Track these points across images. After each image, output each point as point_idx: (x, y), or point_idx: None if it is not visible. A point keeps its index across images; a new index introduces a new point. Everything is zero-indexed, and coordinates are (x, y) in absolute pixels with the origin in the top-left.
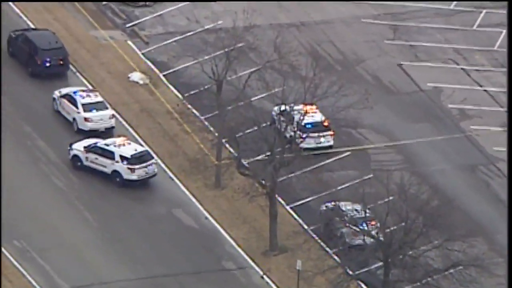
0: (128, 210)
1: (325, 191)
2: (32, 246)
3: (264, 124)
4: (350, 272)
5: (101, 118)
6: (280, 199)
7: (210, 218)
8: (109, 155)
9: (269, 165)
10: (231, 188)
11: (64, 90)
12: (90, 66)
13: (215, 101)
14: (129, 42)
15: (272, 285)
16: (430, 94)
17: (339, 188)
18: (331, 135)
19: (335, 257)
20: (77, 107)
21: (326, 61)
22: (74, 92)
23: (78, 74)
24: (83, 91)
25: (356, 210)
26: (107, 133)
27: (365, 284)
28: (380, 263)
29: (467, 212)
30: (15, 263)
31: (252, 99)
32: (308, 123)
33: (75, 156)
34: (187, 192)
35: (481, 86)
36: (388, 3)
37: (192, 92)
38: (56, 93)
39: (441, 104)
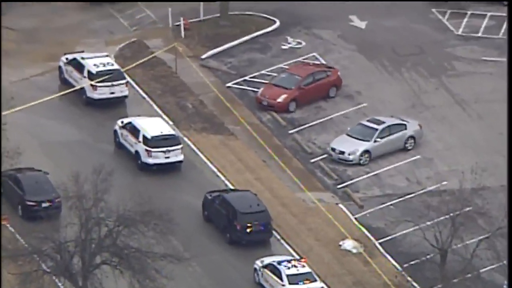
0: None
1: None
2: None
3: None
4: None
5: None
6: None
7: None
8: None
9: None
10: None
11: (267, 260)
12: (296, 232)
13: (438, 273)
14: (341, 206)
15: None
16: None
17: None
18: None
19: None
20: (281, 279)
21: None
22: (279, 262)
23: (282, 241)
24: (289, 261)
25: None
26: None
27: None
28: None
29: None
30: None
31: (481, 270)
32: None
33: None
34: None
35: None
36: None
37: (412, 263)
38: (258, 263)
39: None
